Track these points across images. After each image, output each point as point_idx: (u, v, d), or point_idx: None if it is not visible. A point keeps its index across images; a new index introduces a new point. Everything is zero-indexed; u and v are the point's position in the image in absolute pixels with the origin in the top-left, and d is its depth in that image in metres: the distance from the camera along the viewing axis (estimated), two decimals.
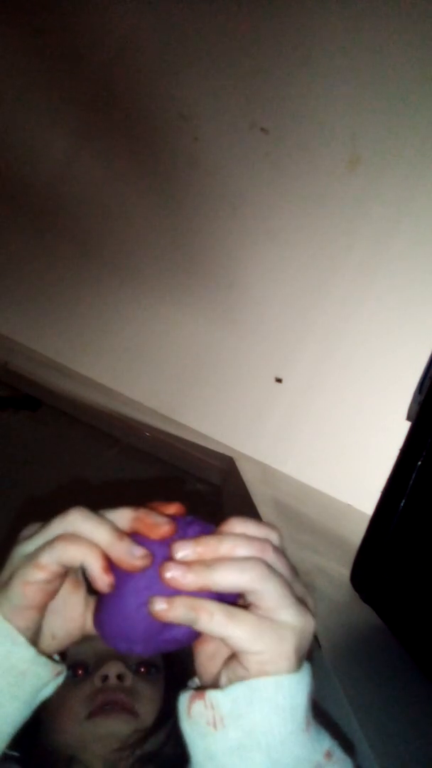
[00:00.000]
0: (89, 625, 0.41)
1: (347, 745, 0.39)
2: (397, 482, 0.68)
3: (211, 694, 0.36)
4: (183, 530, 0.38)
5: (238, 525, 0.38)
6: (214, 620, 0.35)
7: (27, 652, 0.37)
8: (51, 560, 0.36)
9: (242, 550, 0.36)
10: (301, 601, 0.37)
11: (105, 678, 0.56)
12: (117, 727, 0.54)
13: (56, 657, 0.41)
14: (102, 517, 0.38)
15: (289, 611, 0.36)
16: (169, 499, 0.41)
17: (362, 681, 0.52)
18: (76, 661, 0.58)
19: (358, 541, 0.71)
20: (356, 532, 0.72)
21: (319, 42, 1.35)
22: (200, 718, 0.36)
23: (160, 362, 1.46)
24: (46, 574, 0.36)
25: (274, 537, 0.38)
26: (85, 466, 1.32)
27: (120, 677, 0.56)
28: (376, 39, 1.33)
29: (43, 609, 0.38)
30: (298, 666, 0.36)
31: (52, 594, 0.38)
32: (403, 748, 0.45)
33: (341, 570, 0.74)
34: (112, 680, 0.56)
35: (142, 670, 0.59)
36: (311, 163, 1.38)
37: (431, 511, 0.64)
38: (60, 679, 0.40)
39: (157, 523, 0.37)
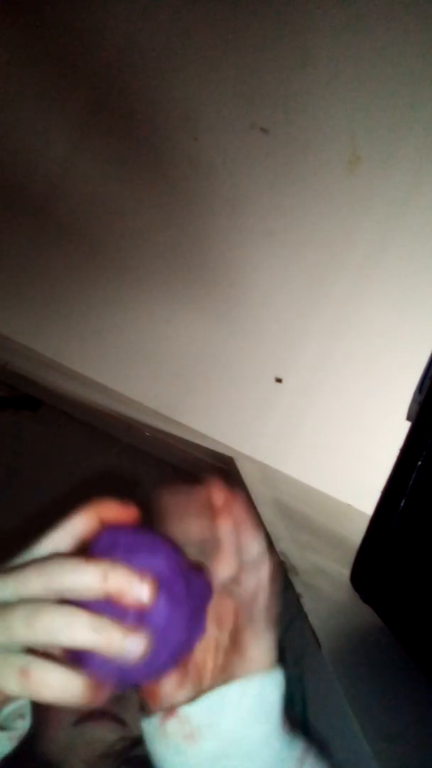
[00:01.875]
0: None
1: (322, 745, 0.39)
2: (397, 482, 0.68)
3: (183, 709, 0.36)
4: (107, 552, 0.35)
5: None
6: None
7: None
8: (16, 693, 0.30)
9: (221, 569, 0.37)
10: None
11: None
12: (103, 734, 0.53)
13: (16, 709, 0.36)
14: (80, 618, 0.30)
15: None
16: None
17: (362, 681, 0.52)
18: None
19: (358, 541, 0.71)
20: (356, 532, 0.72)
21: (319, 42, 1.35)
22: (175, 734, 0.36)
23: (160, 362, 1.46)
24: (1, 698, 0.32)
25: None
26: (85, 466, 1.32)
27: None
28: (376, 39, 1.33)
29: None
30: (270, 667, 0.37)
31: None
32: (403, 748, 0.45)
33: (341, 570, 0.74)
34: None
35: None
36: (311, 163, 1.38)
37: (431, 511, 0.64)
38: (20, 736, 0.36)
39: (136, 592, 0.32)
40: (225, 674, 0.37)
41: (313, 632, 0.56)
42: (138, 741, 0.54)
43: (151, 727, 0.37)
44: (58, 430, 1.35)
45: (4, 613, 0.30)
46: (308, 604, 0.61)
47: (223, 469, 1.31)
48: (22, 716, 0.36)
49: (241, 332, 1.44)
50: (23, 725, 0.36)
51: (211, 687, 0.36)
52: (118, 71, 1.43)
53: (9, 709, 0.35)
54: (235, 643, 0.38)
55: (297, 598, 0.62)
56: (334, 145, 1.37)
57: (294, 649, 0.54)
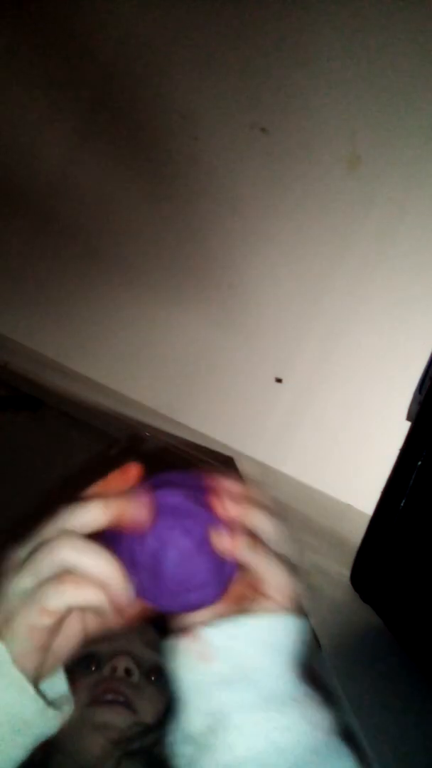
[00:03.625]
0: (89, 629, 0.40)
1: (331, 699, 0.40)
2: (397, 482, 0.68)
3: (202, 629, 0.37)
4: (163, 499, 0.38)
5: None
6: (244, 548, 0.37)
7: (35, 703, 0.36)
8: (58, 605, 0.35)
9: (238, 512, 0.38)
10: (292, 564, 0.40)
11: (114, 669, 0.56)
12: (113, 719, 0.54)
13: (62, 683, 0.40)
14: (91, 544, 0.36)
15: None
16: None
17: (362, 681, 0.52)
18: (90, 654, 0.58)
19: (358, 541, 0.71)
20: (356, 532, 0.73)
21: (319, 42, 1.35)
22: (189, 652, 0.37)
23: (160, 362, 1.46)
24: (53, 619, 0.36)
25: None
26: (85, 466, 1.32)
27: (128, 671, 0.56)
28: (377, 39, 1.33)
29: (47, 648, 0.37)
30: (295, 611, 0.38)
31: (57, 631, 0.37)
32: (403, 748, 0.45)
33: (341, 570, 0.74)
34: (120, 673, 0.56)
35: (152, 677, 0.59)
36: (311, 163, 1.38)
37: (431, 511, 0.64)
38: (64, 721, 0.39)
39: (134, 515, 0.37)
40: (246, 608, 0.38)
41: (313, 632, 0.56)
42: (148, 731, 0.54)
43: (170, 645, 0.39)
44: (58, 430, 1.35)
45: (31, 561, 0.36)
46: (308, 604, 0.61)
47: (223, 469, 1.31)
48: (69, 701, 0.39)
49: (241, 332, 1.44)
50: (68, 710, 0.39)
51: (231, 614, 0.38)
52: (118, 71, 1.43)
53: (57, 687, 0.39)
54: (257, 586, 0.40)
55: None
56: (334, 145, 1.37)
57: None
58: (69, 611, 0.36)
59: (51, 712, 0.37)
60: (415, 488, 0.65)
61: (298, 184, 1.39)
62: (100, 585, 0.35)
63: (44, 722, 0.37)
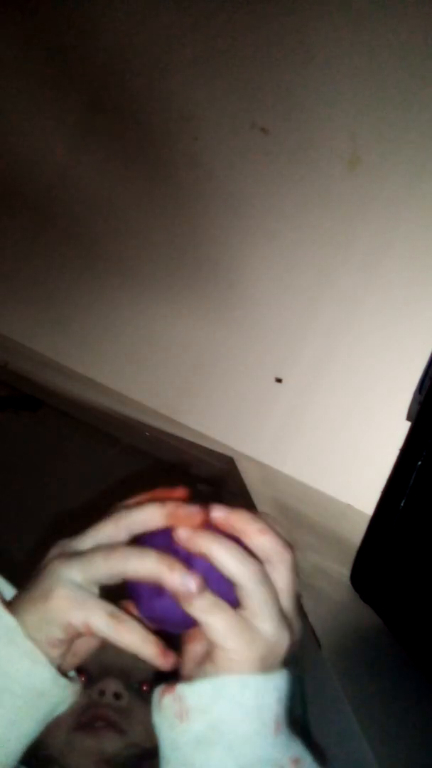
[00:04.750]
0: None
1: (321, 758, 0.39)
2: (397, 482, 0.68)
3: (180, 687, 0.37)
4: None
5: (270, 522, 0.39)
6: (196, 603, 0.36)
7: (47, 672, 0.37)
8: (102, 632, 0.37)
9: (266, 539, 0.38)
10: (286, 619, 0.38)
11: (101, 693, 0.55)
12: (101, 745, 0.53)
13: (72, 673, 0.41)
14: (149, 553, 0.37)
15: (267, 622, 0.37)
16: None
17: (362, 681, 0.52)
18: (80, 667, 0.57)
19: (358, 541, 0.71)
20: (356, 532, 0.72)
21: (319, 42, 1.35)
22: (169, 709, 0.37)
23: (160, 362, 1.46)
24: (88, 633, 0.37)
25: (290, 555, 0.40)
26: (85, 466, 1.32)
27: (117, 696, 0.55)
28: (377, 39, 1.33)
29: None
30: (264, 671, 0.37)
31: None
32: (403, 748, 0.45)
33: (341, 570, 0.74)
34: (108, 697, 0.55)
35: (144, 688, 0.57)
36: (311, 163, 1.38)
37: (431, 511, 0.64)
38: (75, 697, 0.40)
39: (190, 514, 0.38)
40: (227, 663, 0.37)
41: (313, 632, 0.56)
42: (144, 753, 0.54)
43: (154, 698, 0.39)
44: (58, 430, 1.35)
45: (87, 555, 0.37)
46: (308, 604, 0.61)
47: (223, 469, 1.31)
48: (76, 679, 0.40)
49: (241, 332, 1.44)
50: (78, 685, 0.40)
51: (215, 672, 0.37)
52: (118, 71, 1.43)
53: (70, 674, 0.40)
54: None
55: (297, 598, 0.62)
56: (334, 145, 1.37)
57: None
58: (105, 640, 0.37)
59: (63, 681, 0.38)
60: (415, 488, 0.65)
61: (298, 184, 1.39)
62: (143, 643, 0.37)
63: (57, 692, 0.38)
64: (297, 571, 0.40)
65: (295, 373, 1.43)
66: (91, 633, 0.37)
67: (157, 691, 0.39)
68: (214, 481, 1.31)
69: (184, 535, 0.37)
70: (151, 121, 1.42)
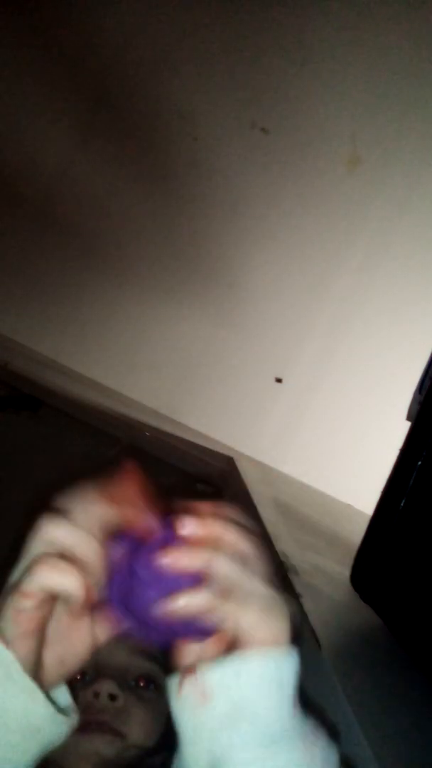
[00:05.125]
0: (99, 638, 0.41)
1: (333, 733, 0.40)
2: (397, 482, 0.68)
3: (201, 669, 0.38)
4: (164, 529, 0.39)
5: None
6: (220, 611, 0.37)
7: (45, 710, 0.37)
8: (34, 587, 0.36)
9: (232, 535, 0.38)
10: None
11: (96, 695, 0.54)
12: (98, 748, 0.52)
13: (67, 704, 0.40)
14: (74, 526, 0.37)
15: (270, 599, 0.38)
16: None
17: (362, 681, 0.52)
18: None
19: (358, 541, 0.71)
20: (356, 532, 0.72)
21: (319, 42, 1.35)
22: (190, 692, 0.38)
23: (160, 362, 1.46)
24: (33, 602, 0.36)
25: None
26: (85, 466, 1.32)
27: (112, 697, 0.54)
28: (377, 39, 1.33)
29: (39, 635, 0.37)
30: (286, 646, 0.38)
31: (44, 620, 0.37)
32: (403, 748, 0.45)
33: (341, 570, 0.74)
34: (103, 699, 0.54)
35: (141, 684, 0.57)
36: (311, 163, 1.38)
37: (431, 511, 0.64)
38: (71, 731, 0.40)
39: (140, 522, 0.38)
40: (242, 645, 0.38)
41: (313, 632, 0.56)
42: (148, 754, 0.53)
43: (172, 685, 0.39)
44: (58, 430, 1.35)
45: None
46: (308, 604, 0.61)
47: (223, 469, 1.31)
48: (75, 711, 0.40)
49: (241, 332, 1.44)
50: (75, 718, 0.39)
51: (231, 653, 0.38)
52: (118, 71, 1.43)
53: (60, 698, 0.40)
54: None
55: (297, 598, 0.62)
56: (334, 145, 1.37)
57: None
58: (48, 594, 0.37)
59: (60, 718, 0.37)
60: (415, 488, 0.65)
61: (298, 184, 1.39)
62: (78, 570, 0.36)
63: (54, 728, 0.37)
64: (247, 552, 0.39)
65: (295, 373, 1.43)
66: (30, 596, 0.36)
67: (174, 678, 0.39)
68: (214, 481, 1.31)
69: (171, 560, 0.37)
70: (151, 121, 1.42)
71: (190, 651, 0.41)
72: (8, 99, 1.46)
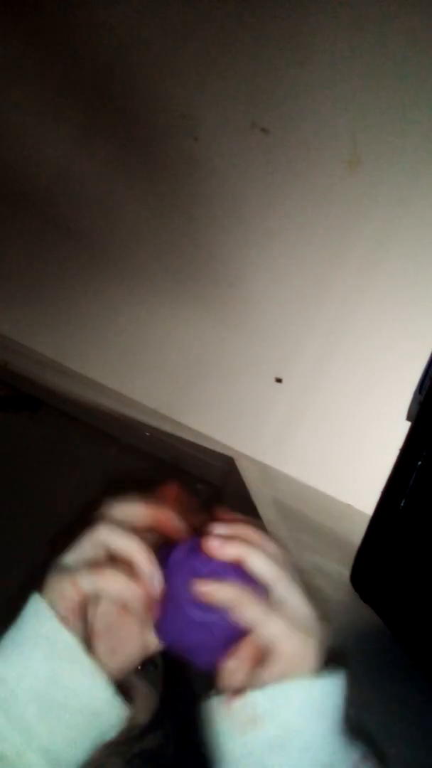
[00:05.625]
0: (152, 646, 0.42)
1: (380, 756, 0.40)
2: (397, 482, 0.68)
3: (251, 693, 0.38)
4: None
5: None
6: (251, 610, 0.37)
7: (105, 693, 0.37)
8: (88, 586, 0.38)
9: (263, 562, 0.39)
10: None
11: None
12: None
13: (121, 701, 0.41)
14: (130, 535, 0.38)
15: (309, 619, 0.39)
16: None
17: (362, 681, 0.52)
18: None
19: (358, 541, 0.71)
20: (356, 532, 0.72)
21: (319, 42, 1.35)
22: (240, 715, 0.37)
23: (160, 362, 1.46)
24: (79, 596, 0.38)
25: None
26: (85, 466, 1.31)
27: None
28: (377, 39, 1.33)
29: (79, 620, 0.38)
30: (319, 670, 0.38)
31: (83, 611, 0.39)
32: (404, 748, 0.45)
33: (341, 570, 0.74)
34: None
35: (139, 667, 0.58)
36: (311, 163, 1.38)
37: (431, 511, 0.64)
38: (124, 724, 0.40)
39: (173, 520, 0.40)
40: (287, 666, 0.38)
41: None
42: (146, 731, 0.54)
43: (217, 705, 0.39)
44: (58, 430, 1.35)
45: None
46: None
47: (223, 469, 1.31)
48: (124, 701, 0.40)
49: (241, 332, 1.44)
50: (126, 709, 0.40)
51: (278, 677, 0.38)
52: (118, 71, 1.43)
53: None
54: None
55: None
56: (334, 145, 1.37)
57: None
58: (97, 597, 0.38)
59: (118, 704, 0.38)
60: (415, 488, 0.65)
61: (298, 184, 1.39)
62: (136, 579, 0.37)
63: (112, 714, 0.38)
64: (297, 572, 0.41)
65: (295, 373, 1.43)
66: (81, 593, 0.37)
67: (219, 699, 0.39)
68: (214, 481, 1.31)
69: (214, 544, 0.38)
70: (151, 121, 1.42)
71: (234, 671, 0.41)
72: (8, 99, 1.46)
